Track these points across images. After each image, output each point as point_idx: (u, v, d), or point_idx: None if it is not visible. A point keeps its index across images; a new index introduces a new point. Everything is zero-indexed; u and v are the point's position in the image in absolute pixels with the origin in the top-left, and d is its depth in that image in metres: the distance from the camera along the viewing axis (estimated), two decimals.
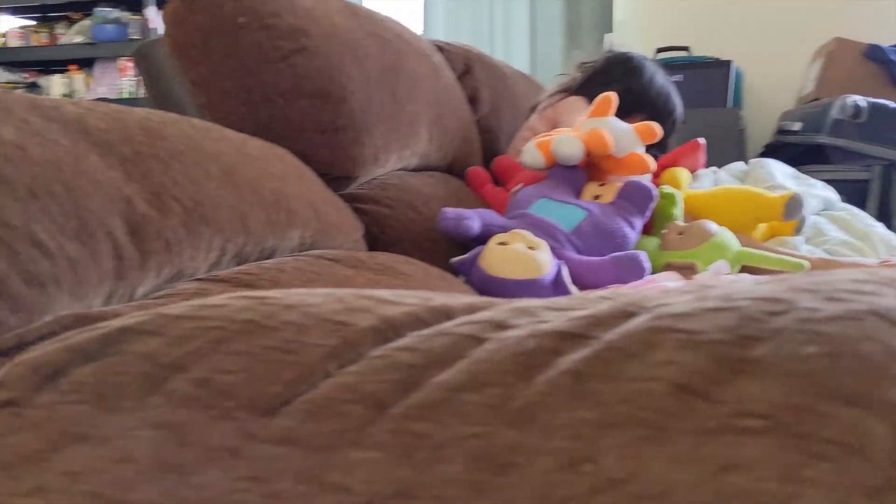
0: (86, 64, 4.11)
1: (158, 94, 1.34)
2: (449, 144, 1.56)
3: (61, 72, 4.17)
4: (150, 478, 0.31)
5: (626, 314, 0.32)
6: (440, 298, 0.38)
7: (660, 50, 3.55)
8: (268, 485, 0.28)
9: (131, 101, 3.90)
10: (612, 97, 1.39)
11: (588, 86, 1.74)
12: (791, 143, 3.18)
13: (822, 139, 2.95)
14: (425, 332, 0.34)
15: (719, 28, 3.72)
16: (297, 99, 1.21)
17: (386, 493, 0.27)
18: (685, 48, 3.60)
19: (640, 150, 1.38)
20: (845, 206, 1.97)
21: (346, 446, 0.29)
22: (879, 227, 1.78)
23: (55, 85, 4.14)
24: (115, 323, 0.38)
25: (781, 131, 3.33)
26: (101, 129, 0.82)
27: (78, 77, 4.13)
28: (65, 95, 4.12)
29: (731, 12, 3.72)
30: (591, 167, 1.40)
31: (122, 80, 3.99)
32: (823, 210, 1.92)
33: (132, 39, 3.90)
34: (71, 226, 0.67)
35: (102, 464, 0.32)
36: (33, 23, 4.26)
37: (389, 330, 0.35)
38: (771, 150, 3.26)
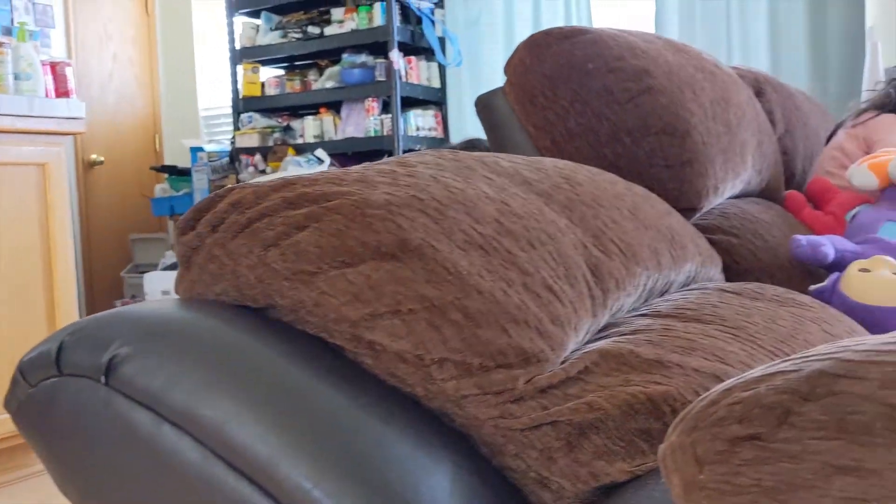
0: (333, 106, 4.45)
1: (498, 139, 1.45)
2: (766, 169, 1.56)
3: (312, 114, 4.53)
4: None
5: None
6: None
7: None
8: None
9: (377, 140, 4.18)
10: None
11: None
12: None
13: None
14: None
15: None
16: (644, 136, 1.27)
17: None
18: None
19: None
20: None
21: None
22: None
23: (308, 126, 4.51)
24: (807, 368, 0.43)
25: None
26: (535, 180, 0.91)
27: (327, 118, 4.48)
28: (316, 136, 4.49)
29: None
30: None
31: (369, 118, 4.27)
32: None
33: (378, 81, 4.18)
34: (560, 271, 0.76)
35: (884, 492, 0.37)
36: (283, 72, 4.68)
37: None
38: None
